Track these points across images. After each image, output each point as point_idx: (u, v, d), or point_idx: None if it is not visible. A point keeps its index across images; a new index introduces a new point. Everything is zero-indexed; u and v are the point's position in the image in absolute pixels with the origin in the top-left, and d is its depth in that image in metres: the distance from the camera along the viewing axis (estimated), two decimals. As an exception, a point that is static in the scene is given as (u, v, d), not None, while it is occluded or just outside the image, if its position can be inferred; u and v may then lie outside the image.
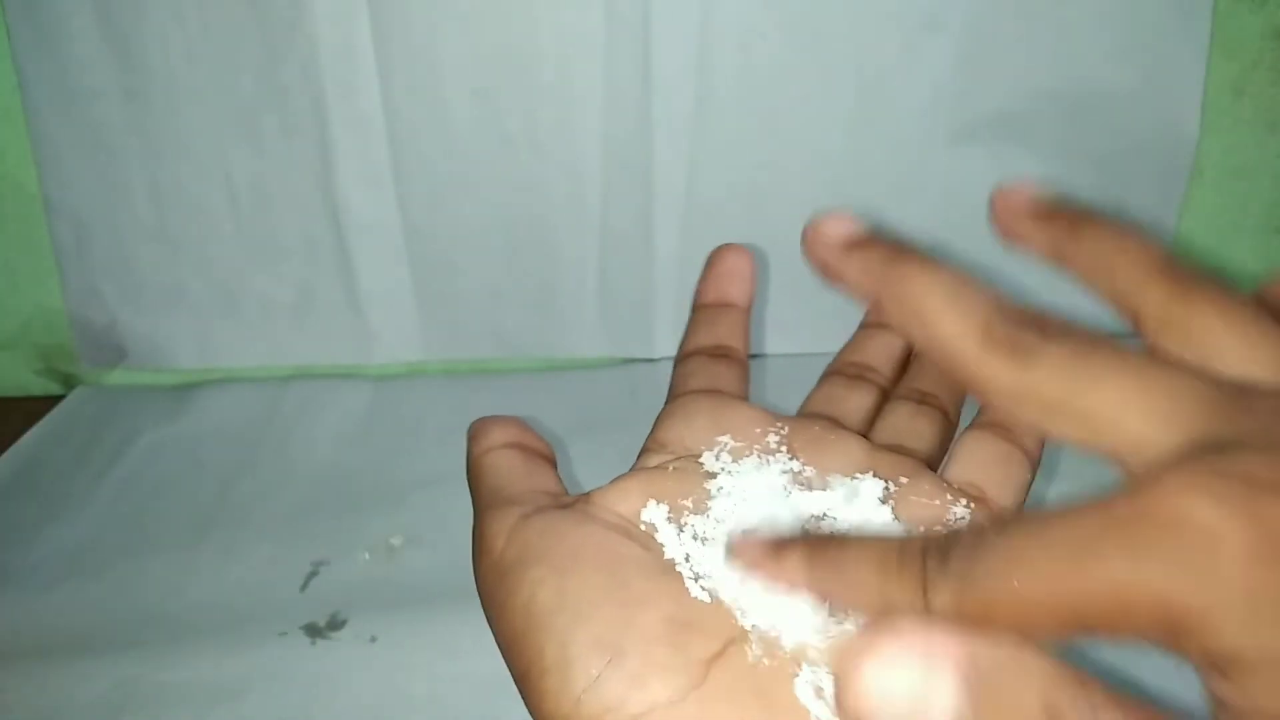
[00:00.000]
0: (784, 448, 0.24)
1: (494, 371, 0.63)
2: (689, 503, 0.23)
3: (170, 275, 0.60)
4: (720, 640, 0.20)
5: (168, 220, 0.58)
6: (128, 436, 0.57)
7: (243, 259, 0.59)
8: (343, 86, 0.54)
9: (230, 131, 0.56)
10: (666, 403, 0.26)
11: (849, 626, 0.20)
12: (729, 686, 0.19)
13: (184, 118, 0.55)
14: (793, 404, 0.28)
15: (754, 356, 0.63)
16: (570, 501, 0.23)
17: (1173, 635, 0.14)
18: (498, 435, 0.25)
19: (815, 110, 0.56)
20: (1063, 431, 0.17)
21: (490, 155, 0.57)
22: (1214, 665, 0.14)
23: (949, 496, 0.23)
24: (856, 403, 0.27)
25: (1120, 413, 0.16)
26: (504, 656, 0.21)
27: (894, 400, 0.28)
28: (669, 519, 0.22)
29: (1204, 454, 0.14)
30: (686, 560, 0.21)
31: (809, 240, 0.21)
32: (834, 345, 0.30)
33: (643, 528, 0.22)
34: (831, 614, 0.20)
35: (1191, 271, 0.18)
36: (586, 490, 0.23)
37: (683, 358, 0.28)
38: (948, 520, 0.23)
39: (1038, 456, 0.25)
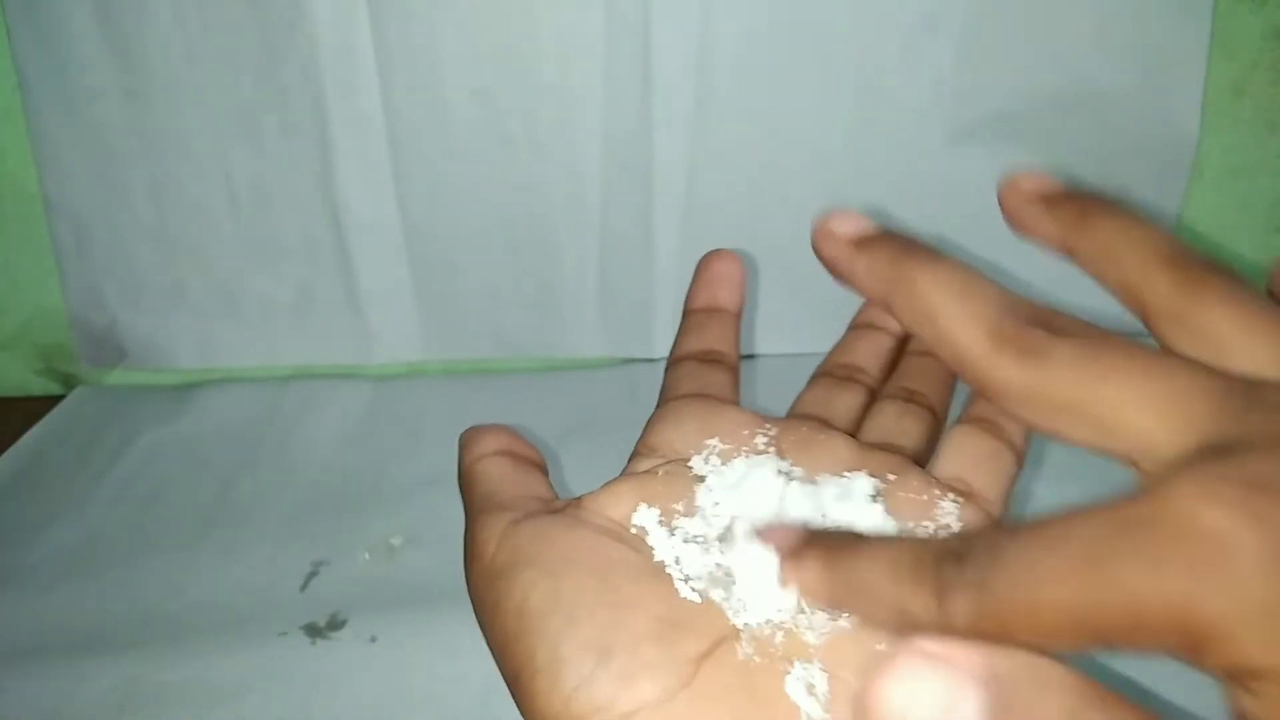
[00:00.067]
0: (772, 449, 0.24)
1: (494, 371, 0.63)
2: (679, 506, 0.23)
3: (170, 275, 0.60)
4: (710, 639, 0.20)
5: (168, 220, 0.58)
6: (128, 436, 0.57)
7: (243, 259, 0.59)
8: (343, 86, 0.54)
9: (230, 131, 0.56)
10: (657, 408, 0.27)
11: (842, 623, 0.20)
12: (719, 684, 0.19)
13: (184, 118, 0.55)
14: (785, 405, 0.28)
15: (748, 357, 0.63)
16: (561, 506, 0.23)
17: (1192, 647, 0.13)
18: (489, 443, 0.25)
19: (815, 110, 0.56)
20: (1073, 433, 0.16)
21: (490, 155, 0.57)
22: (1234, 677, 0.14)
23: (937, 492, 0.23)
24: (845, 403, 0.27)
25: (1131, 414, 0.16)
26: (496, 659, 0.21)
27: (882, 400, 0.28)
28: (659, 522, 0.22)
29: (1213, 457, 0.14)
30: (677, 562, 0.21)
31: (818, 237, 0.21)
32: (829, 346, 0.30)
33: (633, 531, 0.22)
34: (825, 611, 0.20)
35: (1200, 261, 0.17)
36: (585, 490, 0.23)
37: (673, 363, 0.28)
38: (936, 515, 0.23)
39: (1024, 451, 0.26)
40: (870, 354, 0.29)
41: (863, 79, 0.55)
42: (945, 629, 0.15)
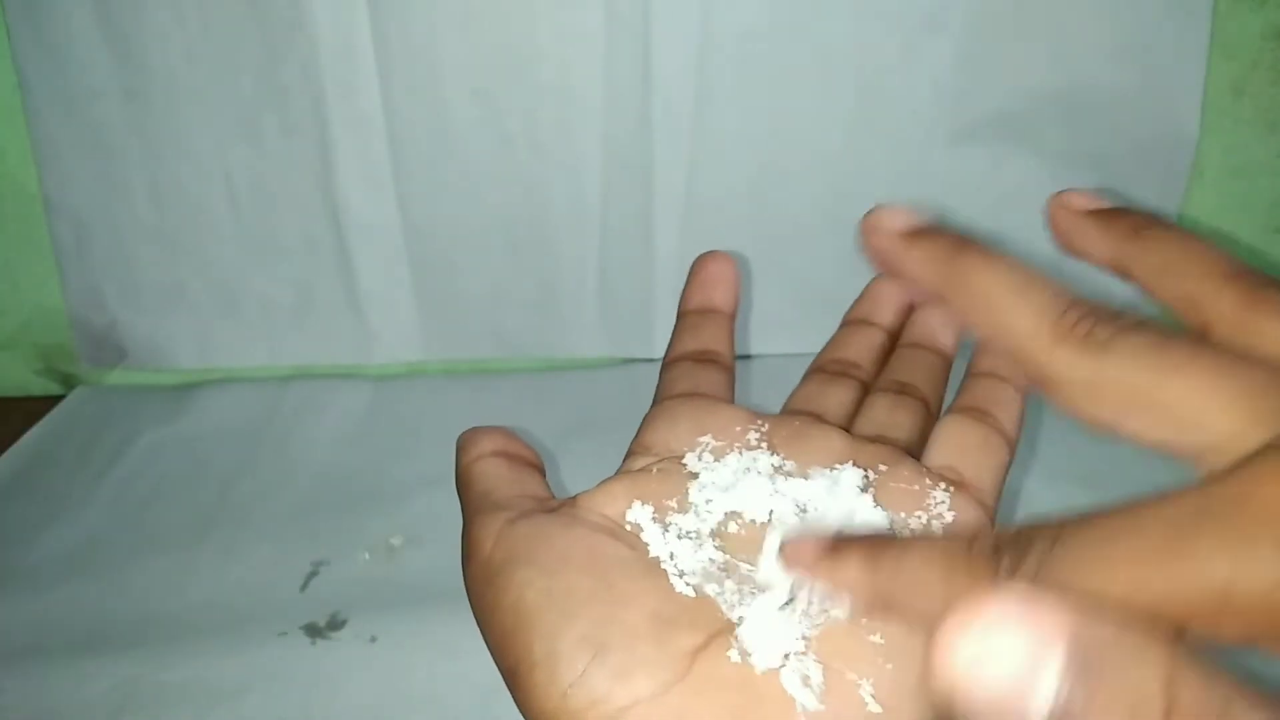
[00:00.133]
0: (764, 444, 0.25)
1: (494, 371, 0.63)
2: (673, 502, 0.23)
3: (170, 275, 0.60)
4: (704, 634, 0.20)
5: (168, 220, 0.58)
6: (128, 436, 0.57)
7: (242, 259, 0.59)
8: (343, 86, 0.54)
9: (230, 131, 0.56)
10: (651, 407, 0.27)
11: (837, 613, 0.20)
12: (713, 678, 0.19)
13: (184, 118, 0.55)
14: (782, 404, 0.28)
15: (745, 357, 0.63)
16: (556, 505, 0.23)
17: None
18: (486, 444, 0.25)
19: (815, 110, 0.56)
20: (1140, 427, 0.16)
21: (490, 155, 0.57)
22: None
23: (928, 482, 0.24)
24: (838, 398, 0.28)
25: (1202, 406, 0.15)
26: (493, 656, 0.21)
27: (874, 393, 0.28)
28: (654, 519, 0.22)
29: None
30: (671, 558, 0.21)
31: (867, 231, 0.21)
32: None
33: (628, 528, 0.22)
34: (823, 606, 0.20)
35: (1262, 278, 0.18)
36: (583, 490, 0.24)
37: (668, 363, 0.28)
38: (927, 505, 0.23)
39: (1015, 440, 0.26)
40: (863, 349, 0.29)
41: (863, 79, 0.55)
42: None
